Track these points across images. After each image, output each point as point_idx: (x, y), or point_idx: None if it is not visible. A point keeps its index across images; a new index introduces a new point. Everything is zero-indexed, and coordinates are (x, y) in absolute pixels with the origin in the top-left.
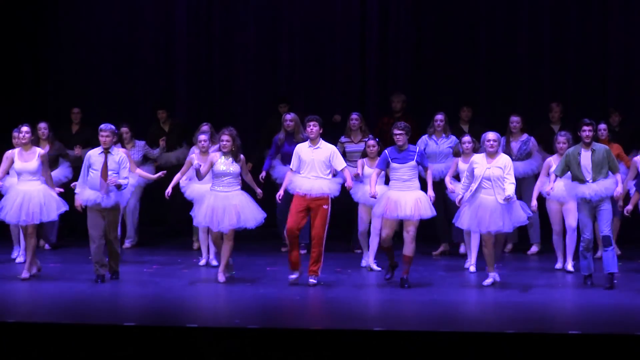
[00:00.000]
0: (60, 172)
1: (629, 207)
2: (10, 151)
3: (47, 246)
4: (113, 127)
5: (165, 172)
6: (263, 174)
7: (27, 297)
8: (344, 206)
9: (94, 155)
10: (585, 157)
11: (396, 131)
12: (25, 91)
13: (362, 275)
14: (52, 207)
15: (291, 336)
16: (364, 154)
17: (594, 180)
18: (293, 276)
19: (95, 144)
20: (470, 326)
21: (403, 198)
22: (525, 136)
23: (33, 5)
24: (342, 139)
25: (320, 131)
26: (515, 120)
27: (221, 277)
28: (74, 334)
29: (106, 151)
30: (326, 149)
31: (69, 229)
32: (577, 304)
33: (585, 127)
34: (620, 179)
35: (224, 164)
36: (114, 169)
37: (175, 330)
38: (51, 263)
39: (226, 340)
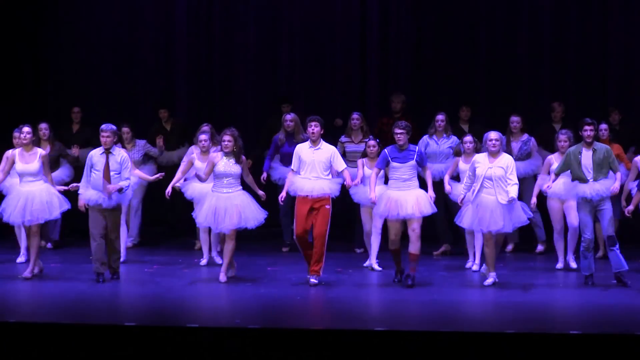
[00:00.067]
0: (62, 173)
1: (630, 207)
2: (10, 151)
3: (49, 245)
4: (114, 127)
5: (163, 173)
6: (264, 175)
7: (28, 297)
8: (344, 206)
9: (96, 155)
10: (587, 157)
11: (397, 130)
12: (26, 91)
13: (363, 275)
14: (55, 205)
15: (292, 336)
16: (364, 154)
17: (594, 180)
18: (314, 280)
19: (95, 143)
20: (471, 326)
21: (403, 197)
22: (525, 136)
23: (33, 5)
24: (343, 138)
25: (322, 132)
26: (515, 121)
27: (222, 277)
28: (75, 333)
29: (107, 151)
30: (327, 149)
31: (70, 228)
32: (577, 303)
33: (586, 127)
34: (620, 178)
35: (226, 164)
36: (116, 169)
37: (176, 330)
38: (52, 263)
39: (227, 340)
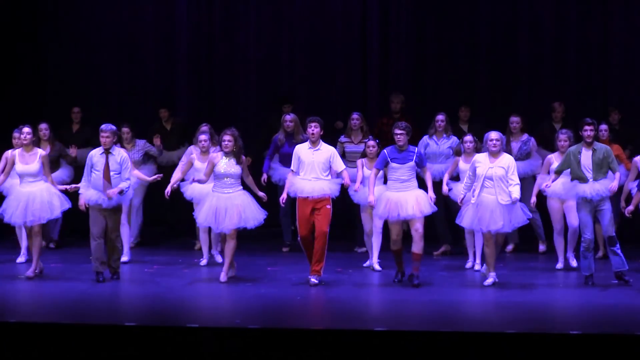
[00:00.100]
0: (62, 173)
1: (630, 207)
2: (10, 152)
3: (51, 245)
4: (114, 127)
5: (161, 175)
6: (264, 176)
7: (28, 297)
8: (344, 206)
9: (96, 155)
10: (586, 157)
11: (397, 131)
12: (26, 91)
13: (363, 275)
14: (56, 204)
15: (292, 336)
16: (364, 154)
17: (594, 180)
18: (314, 280)
19: (95, 143)
20: (471, 326)
21: (403, 198)
22: (525, 136)
23: (33, 5)
24: (342, 138)
25: (321, 133)
26: (515, 121)
27: (223, 277)
28: (75, 334)
29: (107, 152)
30: (326, 150)
31: (70, 228)
32: (578, 304)
33: (586, 127)
34: (618, 178)
35: (226, 164)
36: (116, 169)
37: (176, 331)
38: (52, 263)
39: (227, 340)
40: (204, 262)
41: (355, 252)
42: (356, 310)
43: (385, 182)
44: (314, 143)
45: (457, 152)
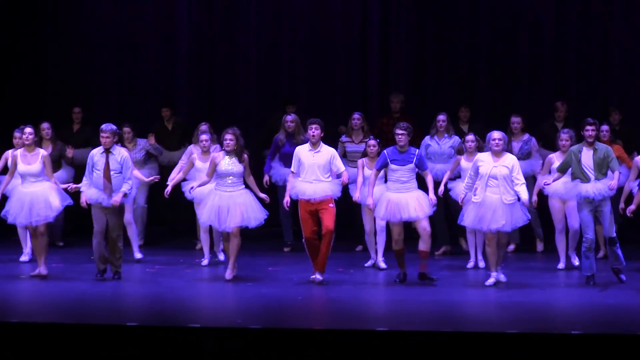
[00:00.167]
0: (63, 173)
1: (632, 207)
2: (10, 151)
3: (60, 243)
4: (114, 127)
5: (159, 177)
6: (266, 177)
7: (29, 297)
8: (344, 206)
9: (97, 155)
10: (587, 156)
11: (398, 131)
12: (26, 91)
13: (364, 275)
14: (56, 200)
15: (293, 336)
16: (364, 154)
17: (595, 179)
18: (314, 277)
19: (95, 143)
20: (472, 326)
21: (404, 199)
22: (526, 136)
23: (33, 4)
24: (343, 138)
25: (322, 134)
26: (516, 121)
27: (229, 274)
28: (77, 334)
29: (107, 151)
30: (326, 152)
31: (72, 228)
32: (579, 304)
33: (588, 127)
34: (618, 177)
35: (228, 163)
36: (116, 168)
37: (178, 330)
38: (53, 263)
39: (228, 340)
40: (205, 262)
41: (356, 251)
42: (357, 310)
43: (386, 181)
44: (314, 145)
45: (459, 152)
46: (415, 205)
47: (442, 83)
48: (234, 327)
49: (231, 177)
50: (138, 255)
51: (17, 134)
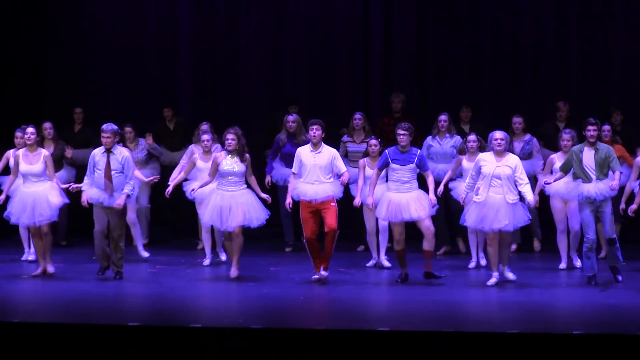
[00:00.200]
0: (65, 172)
1: (634, 206)
2: (12, 151)
3: (63, 242)
4: (115, 127)
5: (158, 177)
6: (268, 178)
7: (31, 297)
8: (346, 205)
9: (98, 154)
10: (588, 156)
11: (400, 131)
12: (27, 91)
13: (366, 275)
14: (55, 199)
15: (294, 336)
16: (366, 154)
17: (597, 179)
18: (316, 277)
19: (96, 143)
20: (473, 326)
21: (404, 200)
22: (528, 136)
23: (34, 4)
24: (345, 138)
25: (323, 135)
26: (517, 122)
27: (234, 272)
28: (78, 334)
29: (108, 151)
30: (327, 153)
31: (73, 228)
32: (580, 304)
33: (590, 127)
34: (619, 177)
35: (230, 163)
36: (117, 168)
37: (179, 331)
38: (55, 263)
39: (230, 341)
40: (206, 262)
41: (357, 251)
42: (359, 310)
43: (387, 181)
44: (315, 146)
45: (461, 151)
46: (417, 205)
47: (443, 83)
48: (236, 327)
49: (233, 177)
50: (145, 254)
51: (18, 134)
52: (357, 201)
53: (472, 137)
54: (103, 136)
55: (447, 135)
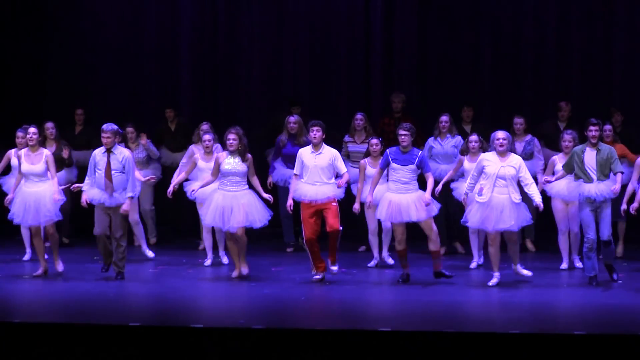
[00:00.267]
0: (64, 172)
1: (635, 204)
2: (13, 151)
3: (65, 240)
4: (115, 127)
5: (154, 177)
6: (270, 179)
7: (32, 297)
8: (347, 205)
9: (98, 155)
10: (590, 156)
11: (401, 132)
12: (28, 92)
13: (367, 275)
14: (54, 195)
15: (296, 336)
16: (367, 154)
17: (598, 180)
18: (318, 276)
19: (97, 144)
20: (475, 326)
21: (405, 201)
22: (529, 136)
23: (34, 4)
24: (346, 138)
25: (323, 136)
26: (519, 122)
27: (245, 270)
28: (79, 334)
29: (108, 151)
30: (328, 154)
31: (74, 229)
32: (582, 304)
33: (591, 127)
34: (620, 179)
35: (231, 163)
36: (117, 168)
37: (180, 331)
38: (53, 263)
39: (231, 341)
40: (208, 262)
41: (358, 251)
42: (360, 310)
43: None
44: (316, 146)
45: (464, 152)
46: (417, 206)
47: (444, 83)
48: (237, 328)
49: (234, 177)
50: (150, 253)
51: (19, 134)
52: (356, 206)
53: (473, 137)
54: (103, 136)
55: (449, 135)
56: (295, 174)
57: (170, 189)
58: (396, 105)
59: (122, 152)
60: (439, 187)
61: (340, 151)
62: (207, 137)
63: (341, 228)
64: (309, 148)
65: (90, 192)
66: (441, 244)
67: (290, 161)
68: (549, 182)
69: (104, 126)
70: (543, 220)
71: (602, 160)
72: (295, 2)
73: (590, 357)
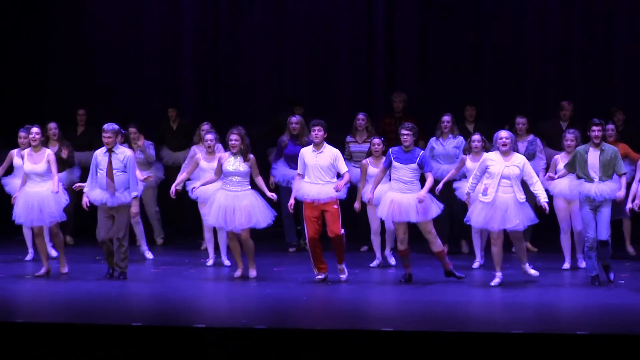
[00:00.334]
0: (65, 173)
1: (637, 202)
2: (16, 150)
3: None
4: (116, 127)
5: (152, 175)
6: (272, 179)
7: (34, 297)
8: (349, 205)
9: (100, 155)
10: (593, 157)
11: (403, 131)
12: (27, 91)
13: (369, 275)
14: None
15: (298, 336)
16: (369, 153)
17: (600, 180)
18: (320, 276)
19: (98, 145)
20: (477, 326)
21: (406, 201)
22: (531, 136)
23: (35, 4)
24: (348, 138)
25: (325, 136)
26: (521, 122)
27: (252, 273)
28: (81, 334)
29: (110, 151)
30: (329, 153)
31: (78, 229)
32: (584, 304)
33: (594, 127)
34: (624, 183)
35: (233, 163)
36: (119, 167)
37: (182, 331)
38: (58, 263)
39: (233, 341)
40: (210, 262)
41: (360, 251)
42: (362, 310)
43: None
44: (317, 146)
45: (466, 151)
46: (419, 208)
47: (447, 83)
48: (239, 328)
49: (236, 177)
50: (149, 255)
51: (22, 134)
52: (357, 205)
53: (476, 137)
54: (104, 136)
55: (450, 135)
56: (299, 174)
57: (173, 189)
58: (397, 105)
59: (123, 152)
60: (440, 185)
61: (342, 152)
62: (209, 136)
63: (343, 232)
64: (310, 147)
65: (92, 193)
66: (444, 243)
67: (292, 161)
68: (553, 178)
69: (105, 126)
70: (545, 220)
71: (605, 161)
72: (296, 1)
73: (592, 358)
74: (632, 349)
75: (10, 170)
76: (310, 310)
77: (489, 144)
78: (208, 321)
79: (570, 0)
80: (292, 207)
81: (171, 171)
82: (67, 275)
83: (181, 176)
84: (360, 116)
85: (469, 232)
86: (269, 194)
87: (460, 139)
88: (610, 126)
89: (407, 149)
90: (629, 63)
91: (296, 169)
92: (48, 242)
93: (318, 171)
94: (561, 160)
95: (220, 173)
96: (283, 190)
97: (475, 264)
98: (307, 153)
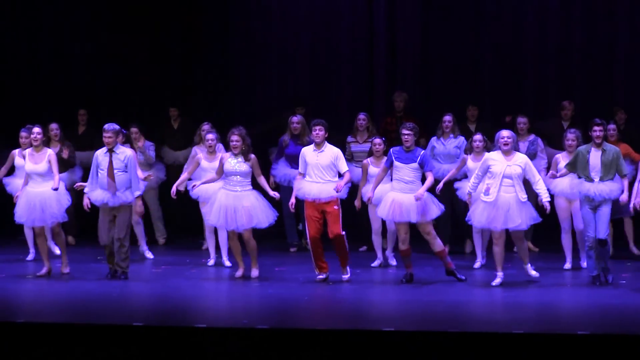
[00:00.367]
0: (66, 173)
1: (638, 199)
2: (17, 150)
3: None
4: (117, 126)
5: (152, 173)
6: (272, 179)
7: (35, 297)
8: (350, 205)
9: (101, 155)
10: (595, 157)
11: (404, 131)
12: (27, 91)
13: (370, 275)
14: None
15: (299, 336)
16: (370, 153)
17: (601, 180)
18: (321, 276)
19: (99, 145)
20: (478, 326)
21: (407, 201)
22: (532, 136)
23: (35, 4)
24: (349, 138)
25: (326, 135)
26: (522, 122)
27: (255, 272)
28: (82, 334)
29: (110, 151)
30: (330, 152)
31: (79, 228)
32: (585, 304)
33: (595, 127)
34: (627, 186)
35: (234, 163)
36: (120, 167)
37: (183, 331)
38: (59, 263)
39: (234, 341)
40: (211, 262)
41: (359, 251)
42: (364, 310)
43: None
44: (318, 145)
45: (467, 151)
46: (420, 208)
47: (447, 83)
48: (240, 328)
49: (237, 177)
50: (149, 255)
51: (23, 134)
52: (357, 203)
53: (478, 136)
54: (105, 136)
55: (451, 135)
56: (300, 173)
57: (174, 189)
58: (398, 105)
59: (124, 152)
60: (440, 185)
61: (343, 152)
62: (210, 136)
63: (344, 233)
64: (311, 147)
65: (93, 193)
66: (445, 243)
67: (293, 161)
68: (555, 176)
69: (106, 126)
70: (546, 220)
71: (607, 161)
72: (298, 1)
73: (593, 358)
74: (633, 349)
75: (11, 170)
76: (312, 310)
77: (490, 144)
78: (209, 321)
79: (570, 0)
80: (293, 207)
81: (172, 171)
82: (68, 275)
83: (182, 176)
84: (361, 116)
85: (470, 232)
86: (271, 193)
87: (461, 138)
88: (612, 126)
89: (408, 148)
90: (629, 63)
91: (297, 168)
92: (50, 240)
93: (319, 170)
94: (562, 159)
95: (221, 172)
96: (284, 189)
97: (477, 264)
98: (308, 152)
